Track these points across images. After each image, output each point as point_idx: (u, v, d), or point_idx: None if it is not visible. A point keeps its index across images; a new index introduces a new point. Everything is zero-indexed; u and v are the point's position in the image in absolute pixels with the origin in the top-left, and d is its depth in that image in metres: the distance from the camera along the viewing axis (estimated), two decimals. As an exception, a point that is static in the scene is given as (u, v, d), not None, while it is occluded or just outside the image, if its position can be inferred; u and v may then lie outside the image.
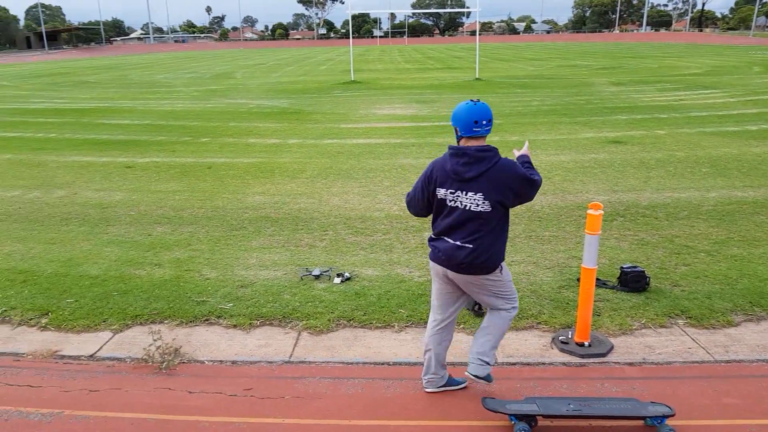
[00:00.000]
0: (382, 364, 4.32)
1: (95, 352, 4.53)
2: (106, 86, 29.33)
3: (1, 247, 6.79)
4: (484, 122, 3.40)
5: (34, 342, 4.70)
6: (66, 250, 6.66)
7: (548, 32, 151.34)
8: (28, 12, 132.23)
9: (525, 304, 5.14)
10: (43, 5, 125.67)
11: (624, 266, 5.46)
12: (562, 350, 4.44)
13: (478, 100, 3.45)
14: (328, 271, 5.84)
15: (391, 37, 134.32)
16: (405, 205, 3.78)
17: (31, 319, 5.06)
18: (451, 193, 3.44)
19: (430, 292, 3.82)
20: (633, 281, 5.34)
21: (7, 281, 5.81)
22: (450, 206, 3.47)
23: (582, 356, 4.34)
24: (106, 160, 11.41)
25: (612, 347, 4.47)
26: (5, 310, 5.21)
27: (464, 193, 3.40)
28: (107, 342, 4.67)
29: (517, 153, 3.87)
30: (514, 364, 4.30)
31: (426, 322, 4.84)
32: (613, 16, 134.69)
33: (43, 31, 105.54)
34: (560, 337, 4.57)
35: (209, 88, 26.57)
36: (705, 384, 4.00)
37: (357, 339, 4.66)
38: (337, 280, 5.63)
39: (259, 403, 3.84)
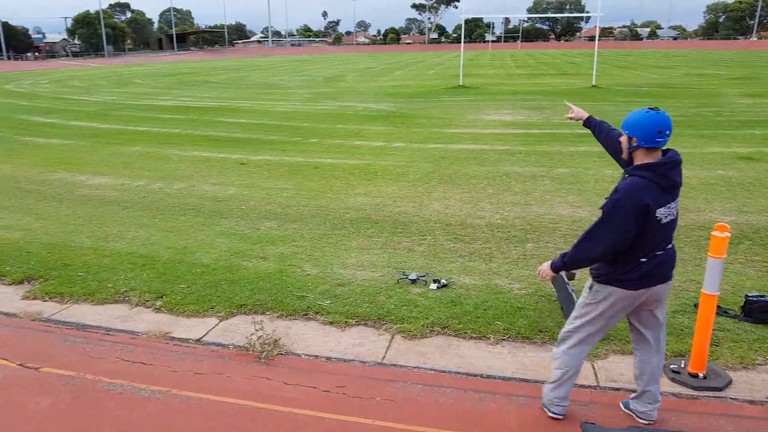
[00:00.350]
0: (476, 375, 4.22)
1: (202, 337, 4.81)
2: (227, 86, 31.32)
3: (126, 233, 7.42)
4: (667, 132, 3.23)
5: (149, 322, 5.09)
6: (182, 238, 7.16)
7: (675, 38, 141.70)
8: (161, 15, 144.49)
9: (632, 327, 4.82)
10: (175, 9, 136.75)
11: (749, 294, 4.97)
12: (673, 380, 4.13)
13: (658, 109, 3.28)
14: (424, 276, 5.82)
15: (504, 41, 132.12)
16: (585, 255, 3.43)
17: (147, 301, 5.48)
18: (666, 208, 3.28)
19: (590, 320, 3.49)
20: (759, 311, 4.85)
21: (129, 264, 6.34)
22: (664, 222, 3.30)
23: (695, 388, 4.01)
24: (222, 156, 12.15)
25: (730, 381, 4.08)
26: (126, 291, 5.69)
27: (674, 201, 3.33)
28: (213, 328, 4.96)
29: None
30: (617, 389, 4.04)
31: (524, 338, 4.71)
32: (752, 21, 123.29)
33: (174, 33, 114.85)
34: (671, 366, 4.24)
35: (320, 91, 27.55)
36: None
37: (450, 347, 4.60)
38: (433, 286, 5.59)
39: (350, 401, 3.89)
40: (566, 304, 5.03)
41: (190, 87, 31.36)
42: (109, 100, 24.71)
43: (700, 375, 4.07)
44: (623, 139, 3.33)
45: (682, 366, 4.20)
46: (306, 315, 5.14)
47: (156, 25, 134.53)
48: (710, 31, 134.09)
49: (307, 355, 4.51)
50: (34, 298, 5.61)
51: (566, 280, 5.20)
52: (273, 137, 14.48)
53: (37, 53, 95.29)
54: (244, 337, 4.66)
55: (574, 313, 3.57)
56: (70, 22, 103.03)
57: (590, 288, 3.49)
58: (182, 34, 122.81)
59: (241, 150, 12.83)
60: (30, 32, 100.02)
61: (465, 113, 18.46)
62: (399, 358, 4.45)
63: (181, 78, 39.30)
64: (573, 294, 4.96)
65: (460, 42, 30.98)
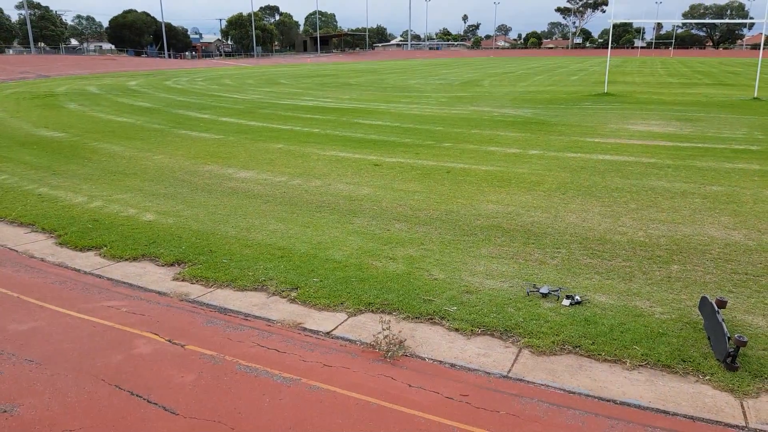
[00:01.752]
0: (608, 400, 3.99)
1: (331, 330, 5.03)
2: (365, 89, 32.39)
3: (267, 225, 7.94)
4: None
5: (284, 312, 5.41)
6: (317, 234, 7.52)
7: None
8: (307, 18, 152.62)
9: (797, 370, 4.28)
10: (320, 12, 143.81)
11: None
12: None
13: None
14: (557, 290, 5.59)
15: (654, 48, 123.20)
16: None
17: (283, 291, 5.83)
18: None
19: None
20: None
21: (268, 255, 6.78)
22: None
23: None
24: (358, 157, 12.59)
25: None
26: (264, 280, 6.09)
27: None
28: (342, 323, 5.15)
29: None
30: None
31: (665, 366, 4.38)
32: None
33: (318, 35, 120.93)
34: None
35: (456, 95, 27.54)
36: None
37: (582, 368, 4.38)
38: (566, 302, 5.36)
39: (473, 411, 3.85)
40: (714, 333, 4.59)
41: (330, 88, 32.88)
42: (256, 99, 26.64)
43: None
44: None
45: None
46: (431, 319, 5.17)
47: (302, 28, 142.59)
48: None
49: (432, 359, 4.54)
50: (183, 280, 6.20)
51: (716, 308, 4.74)
52: (407, 140, 14.73)
53: (194, 53, 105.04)
54: (371, 335, 4.79)
55: None
56: (224, 24, 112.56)
57: None
58: (325, 37, 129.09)
59: (375, 151, 13.20)
60: (189, 33, 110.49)
61: (609, 122, 17.47)
62: (526, 373, 4.33)
63: (322, 79, 41.35)
64: (723, 324, 4.50)
65: (605, 47, 29.41)
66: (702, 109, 20.53)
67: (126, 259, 6.82)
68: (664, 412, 3.86)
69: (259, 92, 30.65)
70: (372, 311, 5.36)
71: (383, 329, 4.75)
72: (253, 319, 5.29)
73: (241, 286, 5.99)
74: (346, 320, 5.21)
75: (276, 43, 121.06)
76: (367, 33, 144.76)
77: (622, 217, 8.05)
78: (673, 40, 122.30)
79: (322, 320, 5.23)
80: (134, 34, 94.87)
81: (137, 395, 4.10)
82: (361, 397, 4.04)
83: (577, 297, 5.42)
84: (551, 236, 7.28)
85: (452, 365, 4.45)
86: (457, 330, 4.97)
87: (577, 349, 4.64)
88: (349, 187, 9.98)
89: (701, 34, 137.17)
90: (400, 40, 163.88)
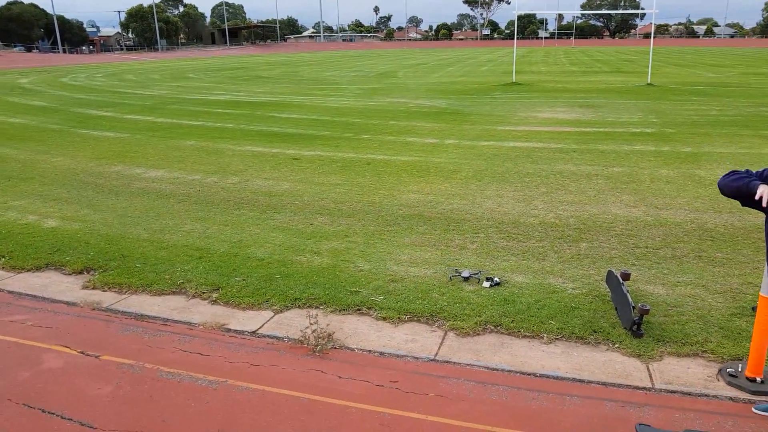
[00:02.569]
0: (529, 374, 4.20)
1: (257, 329, 4.95)
2: (279, 81, 31.88)
3: (182, 225, 7.67)
4: None
5: (206, 314, 5.26)
6: (237, 232, 7.36)
7: (732, 36, 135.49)
8: (213, 10, 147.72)
9: (690, 330, 4.70)
10: (227, 3, 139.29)
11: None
12: (730, 383, 4.03)
13: None
14: (477, 273, 5.80)
15: (557, 38, 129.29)
16: None
17: (203, 293, 5.66)
18: None
19: None
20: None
21: (185, 256, 6.55)
22: None
23: (753, 393, 3.91)
24: (275, 152, 12.40)
25: (792, 387, 3.94)
26: (182, 283, 5.88)
27: None
28: (268, 321, 5.08)
29: None
30: (673, 392, 3.96)
31: (578, 337, 4.66)
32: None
33: (226, 28, 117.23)
34: (728, 370, 4.13)
35: (372, 87, 27.68)
36: None
37: (503, 345, 4.58)
38: (486, 283, 5.56)
39: (403, 396, 3.93)
40: (620, 303, 4.93)
41: (242, 82, 32.07)
42: (163, 94, 25.55)
43: (758, 379, 3.97)
44: None
45: (740, 370, 4.09)
46: (359, 310, 5.21)
47: (208, 20, 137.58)
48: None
49: (361, 349, 4.58)
50: (93, 288, 5.86)
51: (621, 280, 5.09)
52: (325, 133, 14.66)
53: (92, 47, 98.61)
54: (299, 331, 4.76)
55: None
56: (123, 16, 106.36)
57: None
58: (234, 29, 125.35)
59: (293, 145, 13.05)
60: (84, 26, 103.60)
61: (518, 110, 18.20)
62: (452, 354, 4.46)
63: (233, 73, 40.23)
64: (628, 294, 4.85)
65: (512, 38, 30.54)
66: (602, 96, 21.83)
67: (28, 270, 6.36)
68: (580, 380, 4.11)
69: (165, 87, 29.38)
70: (298, 307, 5.32)
71: (311, 324, 4.74)
72: (173, 324, 5.10)
73: (158, 290, 5.76)
74: (272, 318, 5.14)
75: (182, 36, 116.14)
76: (277, 25, 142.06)
77: (534, 200, 8.44)
78: (574, 31, 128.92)
79: (246, 320, 5.13)
80: (22, 28, 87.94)
81: (50, 412, 3.86)
82: (292, 393, 4.01)
83: (496, 278, 5.64)
84: (470, 222, 7.52)
85: (381, 353, 4.51)
86: (384, 319, 5.04)
87: (498, 327, 4.83)
88: (268, 182, 9.82)
89: (599, 24, 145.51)
90: (313, 32, 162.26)
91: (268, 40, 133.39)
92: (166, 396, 4.03)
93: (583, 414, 3.73)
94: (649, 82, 26.46)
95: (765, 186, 3.30)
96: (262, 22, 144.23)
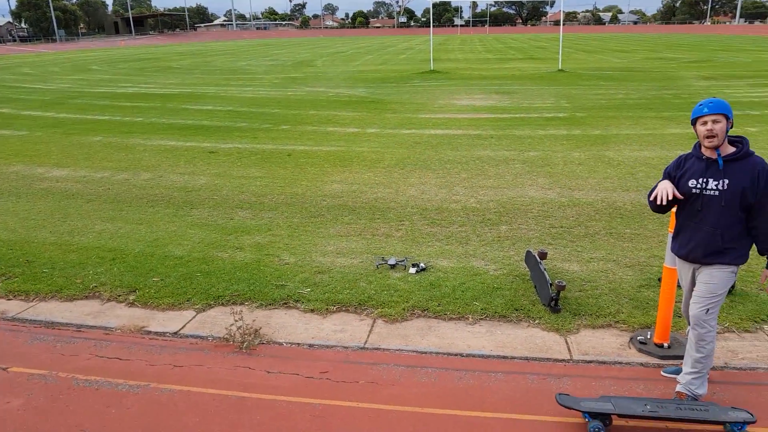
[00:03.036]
0: (456, 355, 4.30)
1: (179, 330, 4.77)
2: (191, 72, 30.70)
3: (92, 226, 7.25)
4: None
5: (123, 317, 5.01)
6: (152, 230, 7.04)
7: (635, 23, 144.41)
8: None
9: (603, 302, 4.99)
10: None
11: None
12: (640, 350, 4.31)
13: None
14: (403, 260, 5.86)
15: (472, 26, 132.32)
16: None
17: (119, 296, 5.38)
18: None
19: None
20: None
21: (97, 258, 6.20)
22: None
23: (661, 357, 4.21)
24: (190, 145, 11.95)
25: (694, 350, 4.26)
26: (96, 286, 5.57)
27: None
28: (191, 320, 4.91)
29: None
30: (589, 362, 4.19)
31: (501, 316, 4.82)
32: (705, 6, 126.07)
33: (131, 16, 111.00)
34: (638, 337, 4.43)
35: (290, 76, 27.23)
36: (796, 395, 3.76)
37: (431, 329, 4.66)
38: (413, 270, 5.64)
39: (334, 386, 3.92)
40: (538, 281, 5.15)
41: (151, 73, 30.63)
42: (64, 88, 23.98)
43: (665, 345, 4.27)
44: (724, 123, 3.42)
45: (648, 337, 4.39)
46: (286, 304, 5.13)
47: (110, 8, 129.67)
48: (668, 15, 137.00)
49: (289, 343, 4.52)
50: (-4, 297, 5.44)
51: (539, 259, 5.31)
52: (242, 124, 14.29)
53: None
54: (224, 328, 4.63)
55: (716, 293, 3.55)
56: (14, 4, 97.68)
57: (734, 271, 3.58)
58: (139, 18, 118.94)
59: (209, 138, 12.63)
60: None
61: (437, 98, 18.50)
62: (381, 341, 4.49)
63: (141, 64, 38.33)
64: (545, 273, 5.07)
65: (429, 26, 30.92)
66: (517, 82, 22.60)
67: None
68: (504, 357, 4.26)
69: (67, 81, 27.58)
70: (222, 304, 5.17)
71: (236, 320, 4.62)
72: (88, 330, 4.82)
73: (69, 295, 5.41)
74: (194, 317, 4.97)
75: (82, 25, 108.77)
76: (186, 13, 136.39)
77: (455, 186, 8.63)
78: (488, 19, 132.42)
79: (167, 320, 4.93)
80: None
81: (-49, 435, 3.56)
82: (219, 391, 3.90)
83: (422, 264, 5.73)
84: (395, 210, 7.58)
85: (310, 345, 4.47)
86: (312, 311, 5.00)
87: (426, 312, 4.92)
88: (184, 177, 9.45)
89: (512, 12, 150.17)
90: (224, 21, 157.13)
91: (177, 29, 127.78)
92: (83, 404, 3.81)
93: (508, 389, 3.87)
94: (560, 68, 27.64)
95: (660, 186, 3.55)
96: (169, 10, 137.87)
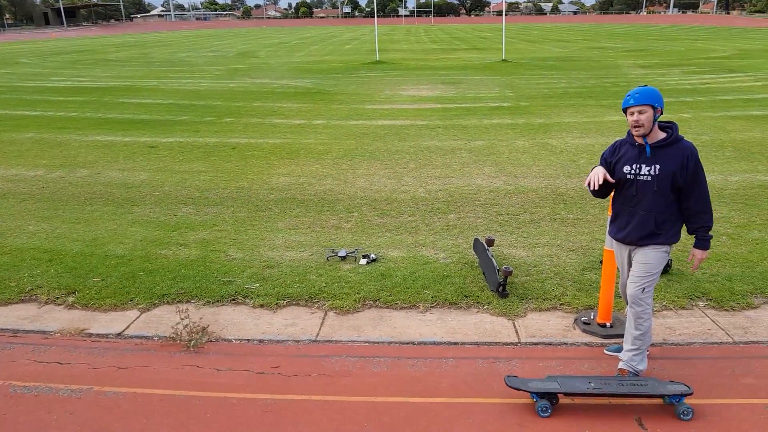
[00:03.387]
0: (407, 343, 4.33)
1: (123, 331, 4.61)
2: (128, 64, 29.56)
3: (26, 227, 6.90)
4: None
5: (62, 320, 4.79)
6: (91, 229, 6.76)
7: (575, 13, 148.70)
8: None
9: (548, 286, 5.12)
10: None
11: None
12: (585, 331, 4.46)
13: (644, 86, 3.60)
14: (353, 252, 5.84)
15: (417, 16, 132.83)
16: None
17: (57, 298, 5.14)
18: None
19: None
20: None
21: (33, 260, 5.91)
22: None
23: (604, 337, 4.37)
24: (129, 140, 11.53)
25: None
26: (32, 289, 5.31)
27: None
28: (135, 320, 4.75)
29: None
30: (536, 344, 4.31)
31: (452, 303, 4.89)
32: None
33: (61, 6, 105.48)
34: (582, 318, 4.58)
35: (232, 67, 26.62)
36: (724, 364, 4.01)
37: (383, 319, 4.67)
38: (363, 261, 5.63)
39: (286, 380, 3.88)
40: (487, 268, 5.24)
41: (85, 66, 29.31)
42: (-5, 83, 22.67)
43: (608, 324, 4.44)
44: (650, 113, 3.49)
45: (592, 318, 4.55)
46: (234, 300, 5.03)
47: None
48: (606, 5, 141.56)
49: (239, 339, 4.44)
50: None
51: (486, 246, 5.41)
52: (183, 117, 13.88)
53: None
54: (170, 327, 4.50)
55: (651, 272, 3.66)
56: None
57: (667, 251, 3.70)
58: (71, 8, 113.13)
59: (149, 132, 12.22)
60: None
61: (384, 89, 18.49)
62: (333, 333, 4.47)
63: (74, 56, 36.60)
64: (493, 259, 5.16)
65: (373, 16, 30.84)
66: (462, 72, 22.86)
67: None
68: (454, 343, 4.32)
69: (-5, 74, 26.05)
70: (167, 303, 5.02)
71: (182, 319, 4.50)
72: (24, 335, 4.59)
73: (2, 300, 5.13)
74: (138, 317, 4.81)
75: (8, 16, 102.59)
76: (121, 3, 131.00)
77: (404, 176, 8.66)
78: (433, 9, 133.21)
79: (110, 322, 4.75)
80: None
81: None
82: (166, 392, 3.80)
83: (373, 255, 5.73)
84: (344, 202, 7.55)
85: (261, 341, 4.41)
86: (262, 306, 4.92)
87: (377, 302, 4.93)
88: (123, 173, 9.11)
89: (455, 2, 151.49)
90: (162, 11, 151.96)
91: (112, 20, 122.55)
92: (22, 412, 3.63)
93: (459, 374, 3.93)
94: (503, 58, 28.13)
95: (592, 172, 3.66)
96: (103, 0, 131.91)
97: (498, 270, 5.02)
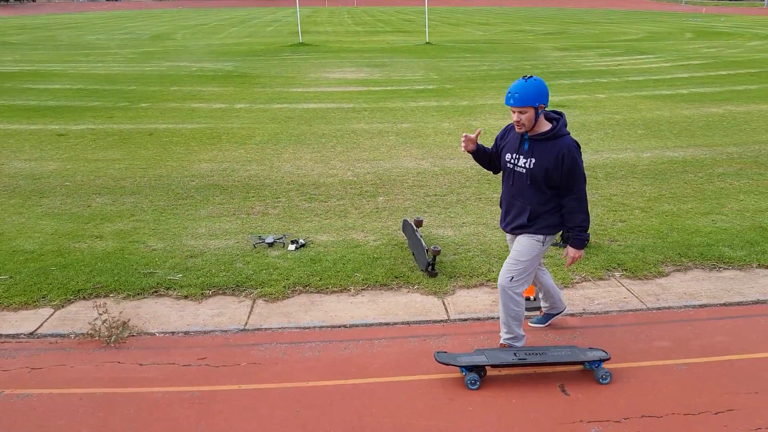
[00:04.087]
0: (339, 327, 4.31)
1: (36, 330, 4.32)
2: (32, 48, 27.46)
3: (-75, 222, 6.34)
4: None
5: (-34, 322, 4.44)
6: (-3, 223, 6.29)
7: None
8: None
9: (476, 263, 5.24)
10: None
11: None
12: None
13: (526, 77, 3.48)
14: (282, 238, 5.73)
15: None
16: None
17: (-40, 298, 4.76)
18: None
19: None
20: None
21: (-68, 258, 5.43)
22: None
23: (529, 309, 4.49)
24: (35, 128, 10.76)
25: (556, 300, 4.65)
26: (-67, 288, 4.88)
27: None
28: (48, 318, 4.46)
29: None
30: (465, 320, 4.41)
31: (382, 285, 4.91)
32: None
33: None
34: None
35: (147, 50, 25.34)
36: (638, 330, 4.26)
37: (313, 304, 4.62)
38: (292, 246, 5.54)
39: (214, 371, 3.77)
40: (416, 248, 5.29)
41: (-16, 50, 27.02)
42: None
43: (532, 297, 4.58)
44: (531, 112, 3.40)
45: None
46: (156, 292, 4.82)
47: None
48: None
49: (163, 332, 4.26)
50: None
51: (415, 227, 5.45)
52: (95, 103, 13.11)
53: None
54: (87, 324, 4.26)
55: (519, 259, 3.64)
56: None
57: (540, 240, 3.63)
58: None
59: (57, 120, 11.45)
60: None
61: (308, 71, 18.19)
62: (262, 321, 4.38)
63: (-29, 40, 33.68)
64: (421, 239, 5.22)
65: (294, -2, 30.14)
66: (387, 55, 22.84)
67: None
68: (386, 323, 4.35)
69: None
70: (84, 298, 4.75)
71: (100, 314, 4.27)
72: None
73: None
74: (52, 314, 4.51)
75: None
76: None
77: (331, 160, 8.58)
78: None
79: (20, 321, 4.44)
80: None
81: None
82: (85, 390, 3.59)
83: (301, 240, 5.65)
84: (270, 187, 7.38)
85: (186, 333, 4.25)
86: (186, 297, 4.75)
87: (307, 287, 4.87)
88: (30, 164, 8.50)
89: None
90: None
91: (11, 0, 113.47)
92: None
93: (390, 353, 3.96)
94: (427, 41, 28.33)
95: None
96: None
97: (427, 250, 5.07)
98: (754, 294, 4.75)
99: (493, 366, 3.64)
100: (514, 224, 3.69)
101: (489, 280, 4.97)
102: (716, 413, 3.35)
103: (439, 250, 4.95)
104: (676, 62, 20.14)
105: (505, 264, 3.72)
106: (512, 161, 3.60)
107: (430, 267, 4.99)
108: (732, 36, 31.42)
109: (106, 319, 4.22)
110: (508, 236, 3.90)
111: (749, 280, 4.98)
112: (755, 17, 51.98)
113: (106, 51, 25.44)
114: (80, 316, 4.47)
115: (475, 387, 3.57)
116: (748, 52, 23.20)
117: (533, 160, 3.49)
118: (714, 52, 23.17)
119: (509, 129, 3.68)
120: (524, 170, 3.53)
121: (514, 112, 3.42)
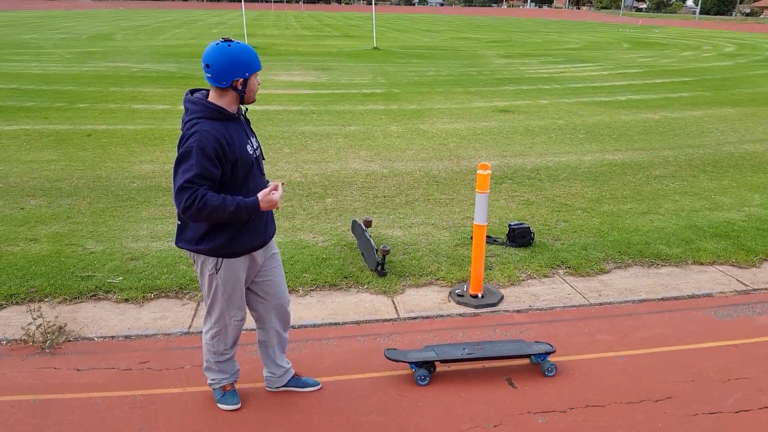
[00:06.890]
0: (292, 327, 4.22)
1: (-38, 336, 4.06)
2: (-38, 46, 26.00)
3: None
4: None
5: None
6: None
7: (442, 5, 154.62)
8: None
9: (424, 263, 5.28)
10: None
11: (511, 223, 5.78)
12: (459, 303, 4.66)
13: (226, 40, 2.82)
14: (227, 238, 5.60)
15: (287, 2, 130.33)
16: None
17: None
18: None
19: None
20: (520, 237, 5.70)
21: None
22: None
23: (476, 307, 4.60)
24: (-35, 128, 10.17)
25: (502, 297, 4.76)
26: None
27: None
28: (-23, 324, 4.20)
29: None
30: (415, 318, 4.43)
31: (331, 285, 4.86)
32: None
33: None
34: (456, 291, 4.78)
35: (85, 50, 24.38)
36: (581, 324, 4.39)
37: (260, 305, 4.53)
38: (237, 247, 5.41)
39: (156, 375, 3.64)
40: (365, 248, 5.28)
41: None
42: None
43: (479, 295, 4.69)
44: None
45: (465, 290, 4.77)
46: (95, 296, 4.62)
47: None
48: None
49: (102, 337, 4.08)
50: None
51: (364, 228, 5.45)
52: (30, 103, 12.49)
53: None
54: (20, 329, 4.03)
55: None
56: None
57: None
58: None
59: (-12, 119, 10.85)
60: None
61: (253, 74, 17.91)
62: (207, 323, 4.25)
63: None
64: (371, 239, 5.22)
65: (240, 0, 29.71)
66: (334, 59, 22.80)
67: None
68: (336, 323, 4.31)
69: None
70: (17, 303, 4.50)
71: (34, 319, 4.05)
72: None
73: None
74: (-20, 321, 4.25)
75: None
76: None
77: (279, 162, 8.47)
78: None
79: (-56, 329, 4.16)
80: None
81: None
82: (19, 398, 3.39)
83: (248, 241, 5.53)
84: (214, 188, 7.20)
85: (127, 337, 4.09)
86: (127, 300, 4.57)
87: (254, 289, 4.76)
88: (-43, 164, 8.02)
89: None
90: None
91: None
92: None
93: (340, 352, 3.93)
94: (375, 46, 28.47)
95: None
96: None
97: (376, 250, 5.07)
98: (689, 289, 4.98)
99: (443, 361, 3.67)
100: (273, 230, 3.36)
101: (438, 278, 5.02)
102: (656, 401, 3.49)
103: (389, 250, 4.96)
104: (614, 71, 21.00)
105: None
106: (252, 148, 2.98)
107: (380, 267, 4.99)
108: (666, 46, 33.07)
109: (40, 324, 4.01)
110: (261, 252, 3.30)
111: (685, 276, 5.22)
112: (687, 29, 54.92)
113: (42, 51, 24.32)
114: (12, 321, 4.23)
115: (424, 383, 3.59)
116: (681, 62, 24.46)
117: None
118: (649, 62, 24.30)
119: (224, 126, 2.86)
120: (258, 151, 3.00)
121: (257, 76, 2.89)
